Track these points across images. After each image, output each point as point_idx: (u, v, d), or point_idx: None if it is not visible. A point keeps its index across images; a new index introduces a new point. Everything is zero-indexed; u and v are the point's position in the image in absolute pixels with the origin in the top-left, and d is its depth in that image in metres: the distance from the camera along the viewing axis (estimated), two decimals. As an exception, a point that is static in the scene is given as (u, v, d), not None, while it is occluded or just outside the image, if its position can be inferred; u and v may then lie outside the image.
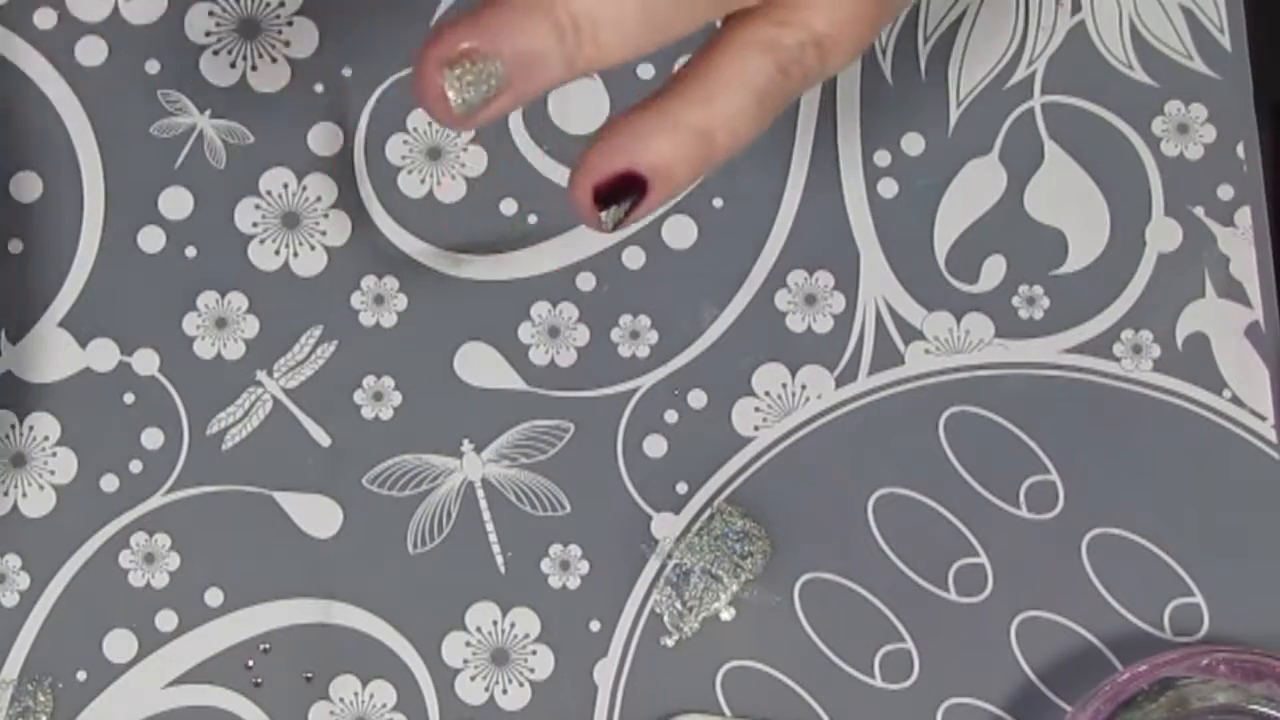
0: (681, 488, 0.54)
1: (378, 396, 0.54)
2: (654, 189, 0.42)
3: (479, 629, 0.53)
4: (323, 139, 0.55)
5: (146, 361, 0.54)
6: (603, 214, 0.42)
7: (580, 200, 0.42)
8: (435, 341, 0.54)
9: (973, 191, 0.55)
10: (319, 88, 0.55)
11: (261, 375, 0.54)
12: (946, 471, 0.54)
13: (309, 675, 0.53)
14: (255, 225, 0.54)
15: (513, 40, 0.39)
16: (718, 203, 0.55)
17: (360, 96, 0.55)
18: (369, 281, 0.54)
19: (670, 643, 0.53)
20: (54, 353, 0.54)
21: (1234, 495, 0.53)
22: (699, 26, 0.41)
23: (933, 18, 0.56)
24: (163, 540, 0.53)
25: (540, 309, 0.54)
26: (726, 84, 0.42)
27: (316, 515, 0.53)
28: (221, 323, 0.54)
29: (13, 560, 0.53)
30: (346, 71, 0.55)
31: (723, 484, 0.54)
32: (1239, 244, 0.55)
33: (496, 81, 0.39)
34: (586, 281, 0.54)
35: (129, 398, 0.54)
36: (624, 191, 0.42)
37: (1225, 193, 0.55)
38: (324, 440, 0.54)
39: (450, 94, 0.39)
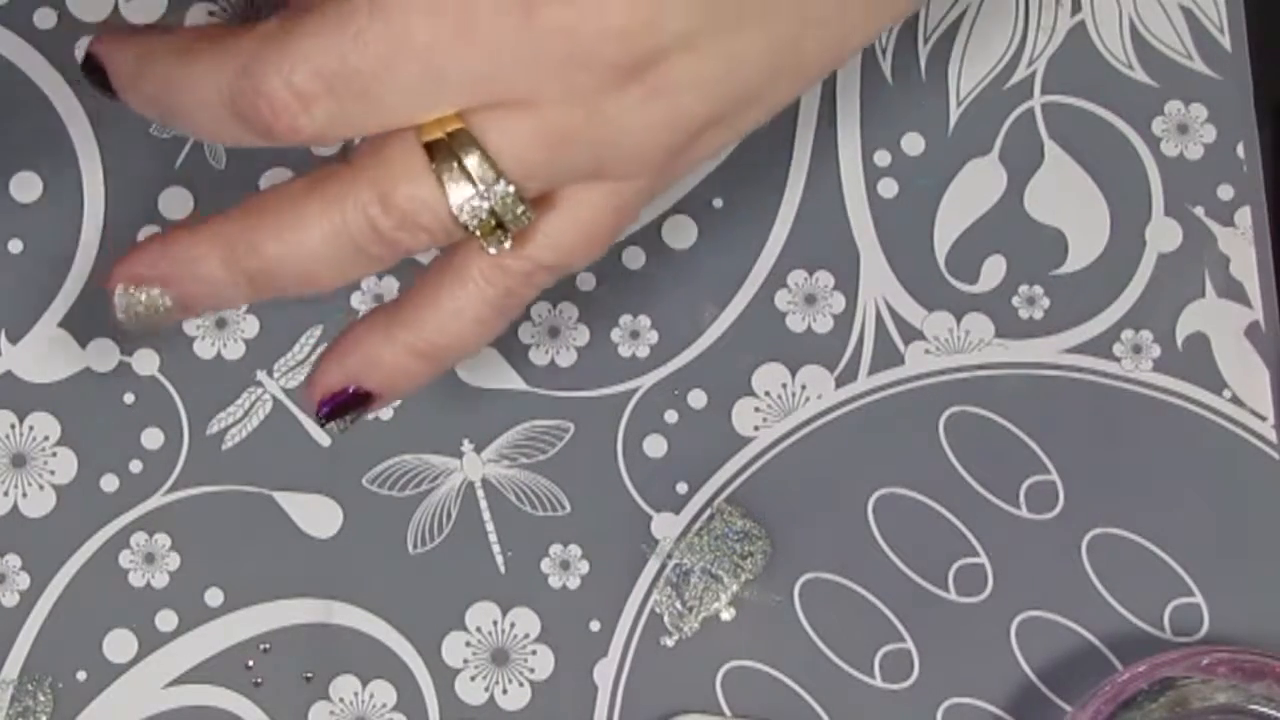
0: (681, 488, 0.54)
1: (378, 396, 0.54)
2: (378, 400, 0.44)
3: (479, 629, 0.53)
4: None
5: (146, 361, 0.54)
6: (329, 425, 0.45)
7: (310, 406, 0.45)
8: (435, 341, 0.54)
9: (973, 191, 0.55)
10: (319, 88, 0.55)
11: (261, 375, 0.54)
12: (946, 471, 0.54)
13: (309, 675, 0.53)
14: (255, 225, 0.54)
15: (184, 273, 0.42)
16: (718, 203, 0.55)
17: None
18: (369, 281, 0.54)
19: (670, 643, 0.53)
20: (54, 353, 0.54)
21: (1234, 495, 0.53)
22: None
23: (932, 18, 0.56)
24: (163, 540, 0.53)
25: (540, 309, 0.54)
26: (453, 313, 0.43)
27: (316, 515, 0.53)
28: (221, 323, 0.54)
29: (13, 560, 0.53)
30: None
31: (723, 484, 0.54)
32: (1239, 244, 0.55)
33: (166, 308, 0.43)
34: (586, 281, 0.54)
35: (129, 398, 0.54)
36: (350, 404, 0.44)
37: (1225, 193, 0.55)
38: (324, 440, 0.54)
39: (119, 313, 0.43)
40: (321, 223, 0.41)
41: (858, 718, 0.53)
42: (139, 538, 0.53)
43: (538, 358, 0.54)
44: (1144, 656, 0.51)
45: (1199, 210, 0.55)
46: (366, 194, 0.41)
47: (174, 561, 0.53)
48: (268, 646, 0.53)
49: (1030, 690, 0.53)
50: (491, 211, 0.40)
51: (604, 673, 0.53)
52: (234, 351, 0.54)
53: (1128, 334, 0.54)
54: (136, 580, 0.53)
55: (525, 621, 0.53)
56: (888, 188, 0.55)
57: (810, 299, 0.54)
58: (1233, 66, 0.55)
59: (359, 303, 0.54)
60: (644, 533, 0.53)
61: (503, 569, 0.53)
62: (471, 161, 0.40)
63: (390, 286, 0.54)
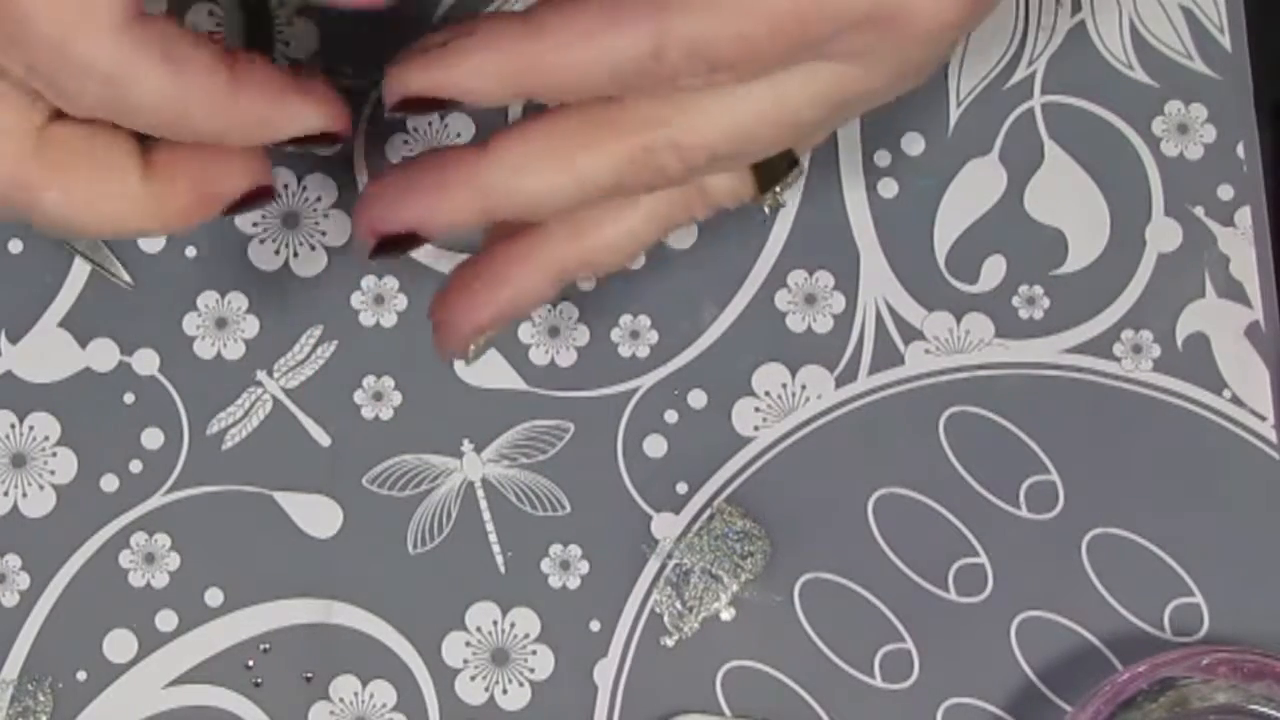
0: (681, 488, 0.54)
1: (378, 396, 0.54)
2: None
3: (479, 629, 0.53)
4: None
5: (146, 361, 0.54)
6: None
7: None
8: (435, 341, 0.54)
9: (973, 191, 0.55)
10: (319, 88, 0.55)
11: (261, 375, 0.54)
12: (946, 471, 0.54)
13: (309, 675, 0.53)
14: (255, 225, 0.54)
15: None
16: (718, 203, 0.55)
17: (360, 96, 0.55)
18: (369, 281, 0.54)
19: (670, 643, 0.53)
20: (54, 353, 0.54)
21: (1234, 495, 0.53)
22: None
23: (933, 18, 0.56)
24: (163, 540, 0.53)
25: (540, 309, 0.54)
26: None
27: (316, 515, 0.53)
28: (221, 323, 0.54)
29: (13, 560, 0.53)
30: (347, 71, 0.55)
31: (723, 484, 0.54)
32: (1239, 244, 0.55)
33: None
34: (587, 281, 0.54)
35: (129, 398, 0.54)
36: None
37: (1225, 193, 0.55)
38: (324, 440, 0.54)
39: (471, 355, 0.44)
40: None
41: (858, 718, 0.53)
42: (139, 538, 0.53)
43: (538, 358, 0.54)
44: (1144, 656, 0.51)
45: (1199, 210, 0.55)
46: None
47: (174, 561, 0.53)
48: (268, 646, 0.53)
49: (1030, 690, 0.53)
50: None
51: (604, 673, 0.53)
52: (234, 351, 0.54)
53: (1128, 334, 0.54)
54: (136, 580, 0.53)
55: (525, 621, 0.53)
56: (888, 188, 0.55)
57: (810, 299, 0.54)
58: (1233, 66, 0.55)
59: (359, 303, 0.54)
60: (644, 533, 0.53)
61: (503, 569, 0.53)
62: None
63: (390, 285, 0.54)
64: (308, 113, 0.41)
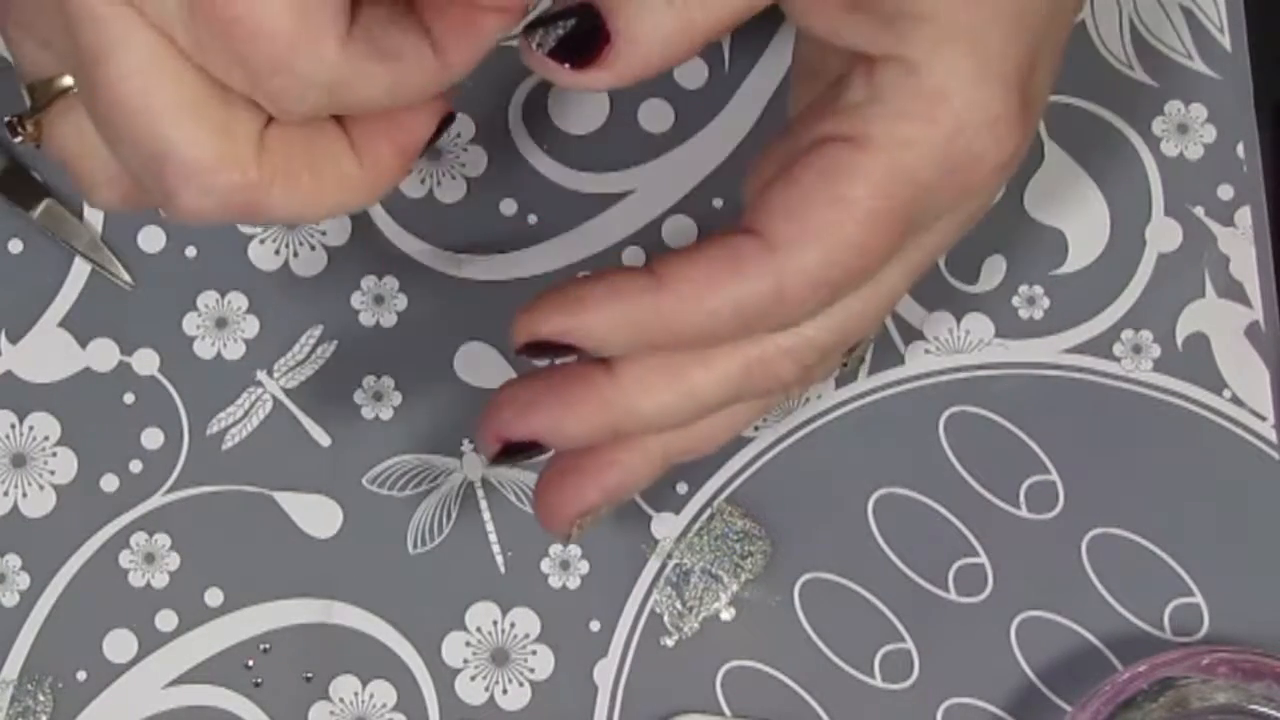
0: (681, 488, 0.54)
1: (378, 396, 0.54)
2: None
3: (479, 629, 0.53)
4: (323, 139, 0.55)
5: (146, 361, 0.54)
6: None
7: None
8: (435, 341, 0.54)
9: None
10: (319, 88, 0.55)
11: (261, 375, 0.54)
12: (946, 471, 0.54)
13: (309, 675, 0.53)
14: (255, 225, 0.54)
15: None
16: (717, 203, 0.55)
17: (360, 96, 0.55)
18: (369, 281, 0.54)
19: (670, 643, 0.53)
20: (54, 353, 0.54)
21: (1234, 495, 0.53)
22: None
23: (933, 18, 0.56)
24: (163, 540, 0.53)
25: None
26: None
27: (316, 515, 0.53)
28: (221, 323, 0.54)
29: (13, 560, 0.53)
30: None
31: (723, 484, 0.54)
32: (1239, 244, 0.55)
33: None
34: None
35: (129, 398, 0.54)
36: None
37: (1225, 193, 0.55)
38: (324, 440, 0.54)
39: (574, 536, 0.44)
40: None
41: (858, 718, 0.53)
42: (139, 538, 0.53)
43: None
44: (1144, 656, 0.51)
45: (1199, 210, 0.55)
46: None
47: (174, 561, 0.53)
48: (268, 646, 0.53)
49: (1030, 690, 0.53)
50: None
51: (604, 673, 0.53)
52: (234, 351, 0.54)
53: (1128, 334, 0.54)
54: (136, 580, 0.53)
55: (525, 621, 0.53)
56: (888, 188, 0.55)
57: (810, 299, 0.54)
58: (1233, 66, 0.55)
59: (359, 303, 0.54)
60: (644, 533, 0.53)
61: (503, 569, 0.53)
62: None
63: (391, 285, 0.54)
64: (494, 27, 0.41)
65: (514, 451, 0.43)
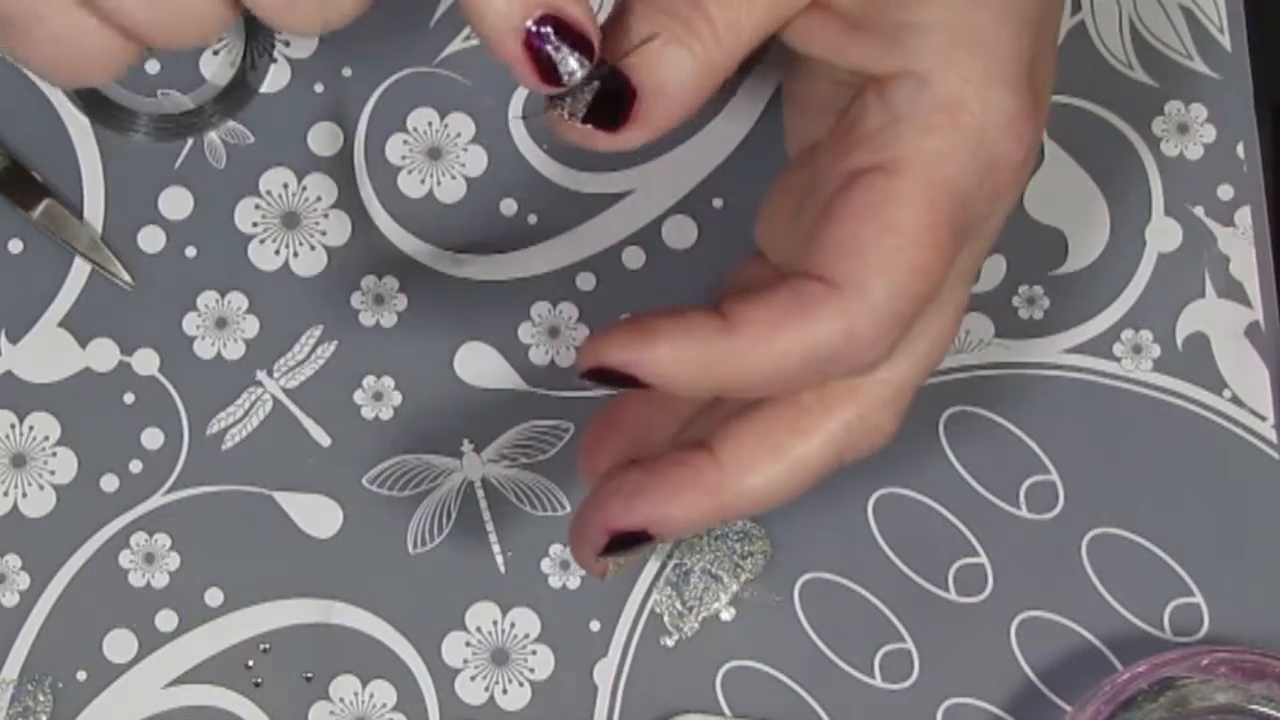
0: (681, 488, 0.53)
1: (378, 396, 0.54)
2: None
3: (479, 629, 0.53)
4: (323, 139, 0.55)
5: (146, 361, 0.54)
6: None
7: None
8: (435, 341, 0.54)
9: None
10: (319, 88, 0.55)
11: (261, 375, 0.54)
12: (946, 471, 0.54)
13: (309, 675, 0.53)
14: (255, 225, 0.54)
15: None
16: (718, 203, 0.55)
17: (360, 96, 0.55)
18: (369, 281, 0.54)
19: (670, 643, 0.53)
20: (54, 353, 0.54)
21: (1234, 495, 0.53)
22: None
23: (933, 18, 0.56)
24: (163, 540, 0.53)
25: (540, 309, 0.54)
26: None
27: (316, 515, 0.53)
28: (221, 323, 0.54)
29: (13, 560, 0.53)
30: (346, 71, 0.55)
31: (723, 484, 0.53)
32: (1239, 244, 0.55)
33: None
34: (586, 281, 0.54)
35: (129, 398, 0.54)
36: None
37: (1225, 193, 0.55)
38: (324, 440, 0.54)
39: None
40: None
41: (858, 718, 0.53)
42: (139, 538, 0.53)
43: (538, 358, 0.54)
44: (1144, 656, 0.51)
45: (1199, 210, 0.55)
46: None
47: (174, 561, 0.53)
48: (268, 646, 0.53)
49: (1030, 690, 0.53)
50: None
51: (604, 673, 0.53)
52: (234, 351, 0.54)
53: (1128, 334, 0.54)
54: (136, 580, 0.53)
55: (525, 621, 0.53)
56: (888, 188, 0.55)
57: (810, 299, 0.54)
58: (1233, 66, 0.55)
59: (359, 303, 0.54)
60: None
61: (503, 569, 0.53)
62: None
63: (391, 285, 0.54)
64: None
65: (624, 543, 0.42)
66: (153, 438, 0.54)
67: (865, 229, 0.39)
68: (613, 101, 0.39)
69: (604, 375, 0.41)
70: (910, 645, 0.53)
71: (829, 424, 0.42)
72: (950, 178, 0.39)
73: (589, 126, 0.40)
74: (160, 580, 0.53)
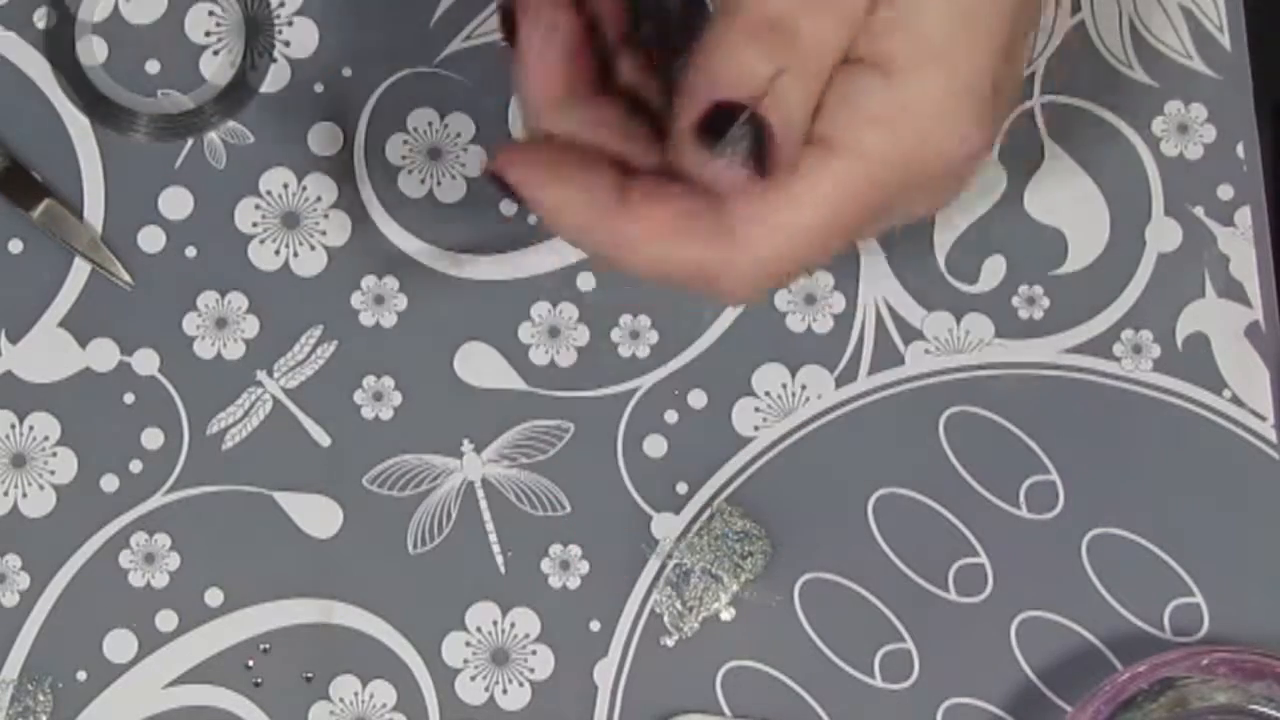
0: (681, 488, 0.54)
1: (378, 396, 0.54)
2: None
3: (479, 629, 0.53)
4: (323, 139, 0.55)
5: (146, 361, 0.54)
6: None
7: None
8: (435, 341, 0.54)
9: (973, 192, 0.55)
10: (319, 88, 0.55)
11: (261, 375, 0.54)
12: (946, 471, 0.54)
13: (309, 675, 0.53)
14: (255, 225, 0.54)
15: None
16: (718, 203, 0.55)
17: (360, 96, 0.55)
18: (369, 281, 0.54)
19: (670, 643, 0.53)
20: (54, 353, 0.54)
21: (1234, 495, 0.53)
22: None
23: (933, 18, 0.56)
24: (163, 540, 0.53)
25: (540, 309, 0.54)
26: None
27: (316, 515, 0.53)
28: (221, 323, 0.54)
29: (13, 560, 0.53)
30: (346, 71, 0.55)
31: (723, 484, 0.54)
32: (1239, 244, 0.55)
33: None
34: (586, 281, 0.54)
35: (129, 398, 0.54)
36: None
37: (1225, 193, 0.55)
38: (324, 440, 0.54)
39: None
40: None
41: (858, 718, 0.53)
42: (139, 538, 0.53)
43: (538, 358, 0.54)
44: (1144, 656, 0.51)
45: (1199, 210, 0.55)
46: None
47: (174, 561, 0.53)
48: (268, 646, 0.53)
49: (1030, 690, 0.53)
50: None
51: (604, 673, 0.53)
52: (234, 351, 0.54)
53: (1128, 334, 0.54)
54: (136, 580, 0.53)
55: (525, 621, 0.53)
56: (888, 188, 0.55)
57: (810, 299, 0.54)
58: (1233, 66, 0.55)
59: (359, 303, 0.54)
60: (644, 533, 0.53)
61: (503, 569, 0.53)
62: None
63: (391, 285, 0.54)
64: None
65: (504, 188, 0.43)
66: (153, 438, 0.54)
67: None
68: (759, 147, 0.41)
69: (501, 186, 0.42)
70: (910, 645, 0.53)
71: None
72: (874, 175, 0.41)
73: (745, 174, 0.41)
74: (160, 580, 0.53)
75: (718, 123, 0.40)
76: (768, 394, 0.54)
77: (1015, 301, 0.54)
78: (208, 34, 0.55)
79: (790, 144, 0.41)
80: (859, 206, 0.41)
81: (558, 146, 0.43)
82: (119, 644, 0.53)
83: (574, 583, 0.53)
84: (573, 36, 0.43)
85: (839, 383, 0.54)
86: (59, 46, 0.54)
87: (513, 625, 0.53)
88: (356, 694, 0.53)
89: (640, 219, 0.41)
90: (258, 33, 0.55)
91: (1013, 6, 0.41)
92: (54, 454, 0.54)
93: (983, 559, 0.53)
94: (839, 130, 0.41)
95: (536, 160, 0.42)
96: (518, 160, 0.42)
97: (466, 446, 0.54)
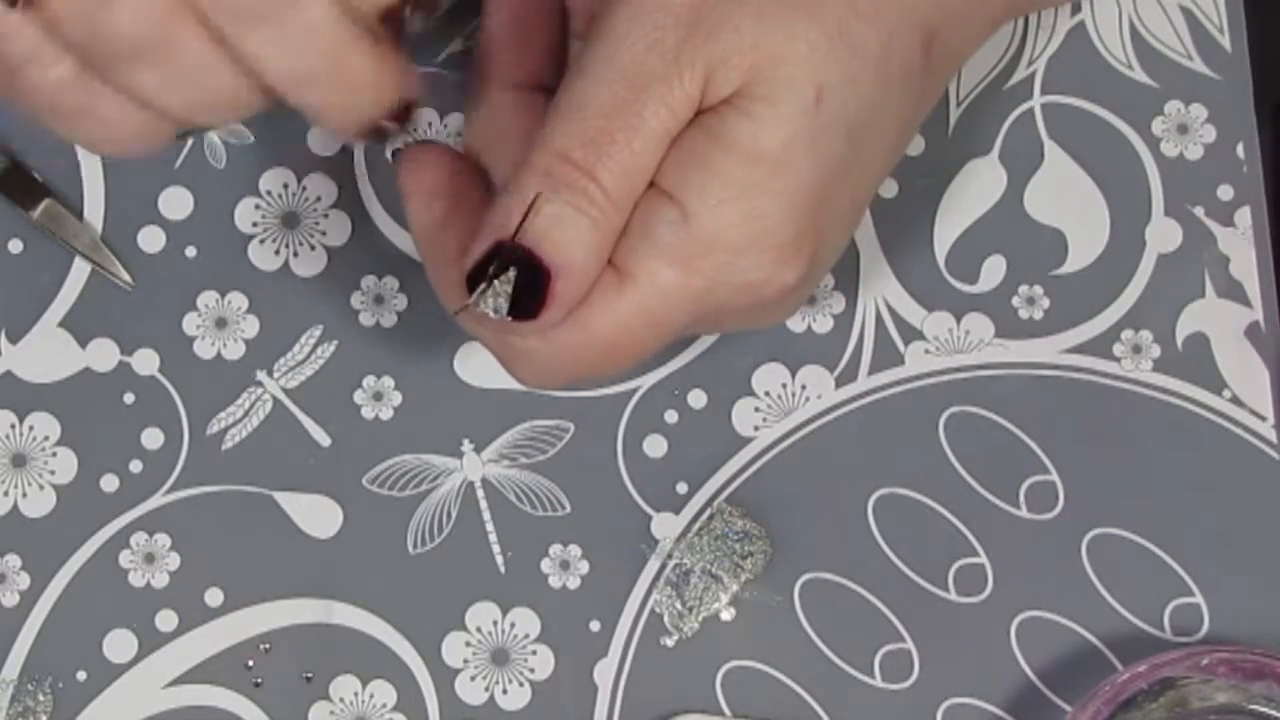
0: (681, 488, 0.54)
1: (378, 396, 0.54)
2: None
3: (479, 629, 0.53)
4: (323, 139, 0.55)
5: (146, 361, 0.54)
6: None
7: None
8: (435, 341, 0.54)
9: (973, 191, 0.55)
10: (319, 88, 0.55)
11: (261, 375, 0.54)
12: (946, 471, 0.54)
13: (309, 675, 0.53)
14: (255, 225, 0.55)
15: None
16: (718, 203, 0.55)
17: (360, 96, 0.55)
18: (369, 281, 0.54)
19: (670, 643, 0.53)
20: (54, 353, 0.54)
21: (1234, 495, 0.53)
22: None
23: (933, 18, 0.56)
24: (163, 540, 0.53)
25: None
26: None
27: (316, 515, 0.53)
28: (221, 323, 0.54)
29: (13, 560, 0.53)
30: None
31: (723, 484, 0.54)
32: (1239, 244, 0.55)
33: None
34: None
35: (129, 398, 0.54)
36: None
37: (1225, 193, 0.55)
38: (324, 440, 0.54)
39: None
40: None
41: (858, 718, 0.53)
42: (139, 538, 0.53)
43: (538, 358, 0.54)
44: (1144, 656, 0.51)
45: (1199, 210, 0.55)
46: None
47: (174, 561, 0.53)
48: (268, 646, 0.53)
49: (1030, 690, 0.53)
50: None
51: (604, 673, 0.53)
52: (234, 351, 0.54)
53: (1128, 334, 0.54)
54: (136, 580, 0.53)
55: (525, 621, 0.53)
56: (887, 187, 0.55)
57: (810, 299, 0.54)
58: (1233, 66, 0.55)
59: (359, 303, 0.54)
60: (644, 533, 0.53)
61: (503, 569, 0.53)
62: None
63: (391, 285, 0.54)
64: None
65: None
66: (153, 438, 0.54)
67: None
68: (528, 288, 0.41)
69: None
70: (910, 645, 0.53)
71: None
72: (662, 311, 0.41)
73: (510, 320, 0.41)
74: (160, 580, 0.53)
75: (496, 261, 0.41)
76: (768, 394, 0.54)
77: (1015, 301, 0.54)
78: None
79: (571, 288, 0.41)
80: (653, 328, 0.42)
81: (453, 175, 0.44)
82: (119, 644, 0.53)
83: (574, 583, 0.53)
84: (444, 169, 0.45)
85: (839, 383, 0.54)
86: (59, 46, 0.54)
87: (513, 625, 0.53)
88: (356, 694, 0.53)
89: (450, 234, 0.43)
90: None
91: (836, 144, 0.41)
92: (54, 454, 0.54)
93: (983, 559, 0.53)
94: (635, 261, 0.41)
95: (430, 183, 0.44)
96: (419, 166, 0.44)
97: (466, 446, 0.54)
